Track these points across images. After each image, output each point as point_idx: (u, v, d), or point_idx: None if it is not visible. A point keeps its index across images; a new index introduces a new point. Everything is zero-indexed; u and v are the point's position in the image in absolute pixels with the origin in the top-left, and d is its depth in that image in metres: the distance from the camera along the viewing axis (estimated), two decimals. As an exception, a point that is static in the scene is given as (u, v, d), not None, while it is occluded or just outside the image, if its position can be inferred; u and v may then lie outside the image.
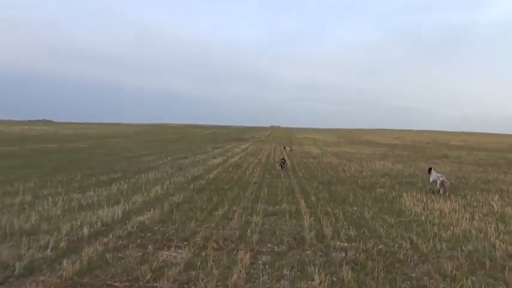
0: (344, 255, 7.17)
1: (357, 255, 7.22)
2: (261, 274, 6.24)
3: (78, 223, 8.78)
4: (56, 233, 8.01)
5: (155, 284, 5.76)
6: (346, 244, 7.85)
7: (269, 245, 7.73)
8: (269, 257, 7.01)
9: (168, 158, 25.31)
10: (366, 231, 8.79)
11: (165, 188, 13.77)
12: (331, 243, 7.87)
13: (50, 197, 11.72)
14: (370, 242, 7.91)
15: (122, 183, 14.52)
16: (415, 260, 7.06)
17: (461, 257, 7.22)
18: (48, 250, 7.03)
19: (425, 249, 7.56)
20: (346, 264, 6.68)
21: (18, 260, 6.38)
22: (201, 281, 5.85)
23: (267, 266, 6.57)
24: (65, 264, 6.32)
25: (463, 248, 7.73)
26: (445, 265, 6.75)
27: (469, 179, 17.93)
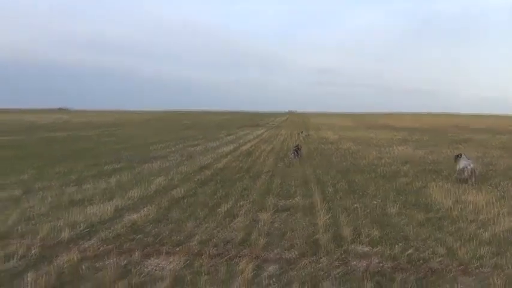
0: (367, 265, 5.95)
1: (383, 264, 6.00)
2: (264, 292, 5.06)
3: (61, 223, 7.73)
4: (31, 237, 6.96)
5: (132, 307, 4.64)
6: (368, 249, 6.62)
7: (277, 250, 6.55)
8: (276, 267, 5.84)
9: (178, 146, 24.26)
10: (391, 231, 7.55)
11: (168, 179, 12.70)
12: (351, 247, 6.66)
13: (40, 192, 10.74)
14: (397, 246, 6.67)
15: (124, 174, 13.49)
16: (453, 270, 5.80)
17: (510, 266, 5.94)
18: (15, 259, 5.97)
19: (464, 256, 6.29)
20: (369, 276, 5.46)
21: (-27, 275, 5.33)
22: (190, 302, 4.71)
23: (272, 281, 5.39)
24: (28, 279, 5.23)
25: (510, 253, 6.44)
26: (493, 279, 5.48)
27: (497, 166, 16.42)
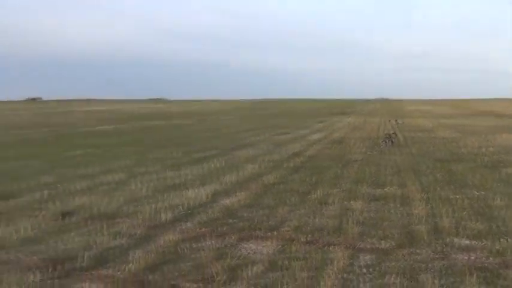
0: (470, 259, 5.58)
1: (487, 259, 5.60)
2: (359, 281, 4.96)
3: (162, 206, 8.19)
4: (135, 218, 7.47)
5: (230, 288, 4.79)
6: (471, 242, 6.22)
7: (372, 239, 6.39)
8: (371, 257, 5.69)
9: (268, 134, 24.55)
10: (495, 224, 7.01)
11: (259, 166, 12.91)
12: (451, 240, 6.29)
13: (142, 176, 11.47)
14: (502, 241, 6.18)
15: (216, 161, 13.95)
16: None
17: None
18: (123, 238, 6.44)
19: None
20: (473, 271, 5.12)
21: (87, 250, 5.83)
22: (284, 286, 4.75)
23: (368, 270, 5.26)
24: (134, 256, 5.62)
25: None
26: None
27: None
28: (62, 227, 6.99)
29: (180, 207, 8.11)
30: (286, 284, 4.79)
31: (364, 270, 5.27)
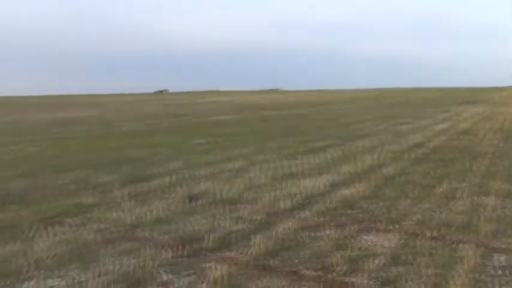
0: None
1: None
2: (494, 283, 4.55)
3: (280, 194, 8.34)
4: (255, 204, 7.71)
5: (350, 279, 4.71)
6: None
7: (508, 239, 5.82)
8: (508, 258, 5.19)
9: (387, 124, 23.64)
10: None
11: (378, 157, 12.48)
12: None
13: (261, 164, 11.79)
14: None
15: (333, 150, 13.81)
16: None
17: None
18: (244, 223, 6.70)
19: None
20: None
21: (212, 232, 6.17)
22: (408, 282, 4.54)
23: (504, 272, 4.81)
24: (255, 240, 5.81)
25: None
26: None
27: None
28: (189, 210, 7.49)
29: (298, 196, 8.18)
30: (411, 280, 4.58)
31: (500, 271, 4.82)
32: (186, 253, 5.48)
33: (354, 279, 4.69)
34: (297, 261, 5.21)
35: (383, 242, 5.82)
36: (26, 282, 4.81)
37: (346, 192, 8.49)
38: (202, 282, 4.68)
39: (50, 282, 4.81)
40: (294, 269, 4.99)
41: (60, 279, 4.88)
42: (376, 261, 5.03)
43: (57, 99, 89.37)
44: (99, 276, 4.85)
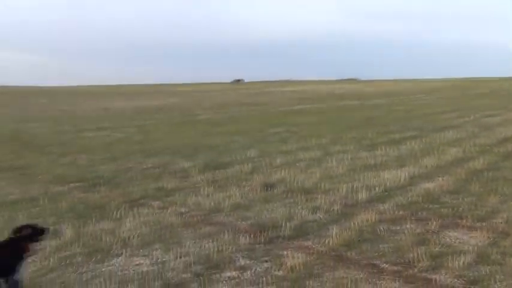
0: None
1: None
2: None
3: (358, 185, 8.16)
4: (332, 194, 7.62)
5: (433, 276, 4.52)
6: None
7: None
8: None
9: (474, 116, 22.21)
10: None
11: (463, 151, 11.80)
12: None
13: (337, 154, 11.62)
14: None
15: (414, 142, 13.26)
16: None
17: None
18: (321, 213, 6.65)
19: None
20: None
21: (288, 220, 6.20)
22: (497, 283, 4.27)
23: None
24: (333, 231, 5.75)
25: None
26: None
27: None
28: (265, 197, 7.58)
29: (376, 188, 7.96)
30: (499, 281, 4.31)
31: None
32: (263, 240, 5.57)
33: (436, 276, 4.50)
34: (375, 254, 5.10)
35: (468, 239, 5.51)
36: (114, 259, 5.15)
37: (428, 185, 8.13)
38: (279, 270, 4.73)
39: (135, 260, 5.12)
40: (372, 262, 4.89)
41: (144, 257, 5.17)
42: (461, 259, 4.77)
43: (140, 88, 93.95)
44: (180, 257, 5.08)
